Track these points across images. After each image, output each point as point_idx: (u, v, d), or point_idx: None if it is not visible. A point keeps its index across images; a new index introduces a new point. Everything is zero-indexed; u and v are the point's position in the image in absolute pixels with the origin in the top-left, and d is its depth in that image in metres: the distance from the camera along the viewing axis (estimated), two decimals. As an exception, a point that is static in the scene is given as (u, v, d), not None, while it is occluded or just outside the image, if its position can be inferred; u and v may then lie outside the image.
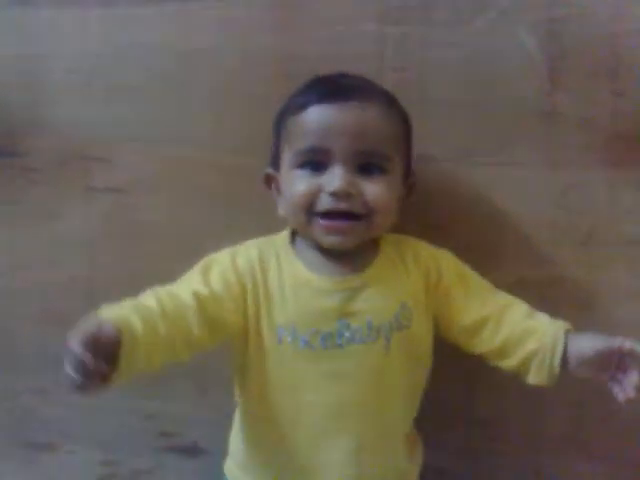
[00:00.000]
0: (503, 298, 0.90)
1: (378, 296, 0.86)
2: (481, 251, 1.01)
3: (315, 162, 0.83)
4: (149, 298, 0.80)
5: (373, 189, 0.82)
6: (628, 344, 0.78)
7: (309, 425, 0.87)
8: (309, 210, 0.83)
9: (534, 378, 0.85)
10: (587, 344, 0.81)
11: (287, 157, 0.85)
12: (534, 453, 1.06)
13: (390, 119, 0.85)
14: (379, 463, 0.89)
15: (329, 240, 0.84)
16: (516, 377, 0.87)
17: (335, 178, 0.81)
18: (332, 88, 0.84)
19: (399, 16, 0.96)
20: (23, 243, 1.13)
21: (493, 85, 0.96)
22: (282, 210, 0.89)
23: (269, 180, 0.91)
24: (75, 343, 0.67)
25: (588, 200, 0.97)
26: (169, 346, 0.79)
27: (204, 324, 0.82)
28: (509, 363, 0.87)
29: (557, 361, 0.82)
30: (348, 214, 0.82)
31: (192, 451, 1.17)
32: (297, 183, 0.83)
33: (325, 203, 0.82)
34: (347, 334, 0.84)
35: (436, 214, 1.01)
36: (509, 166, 0.98)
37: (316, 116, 0.82)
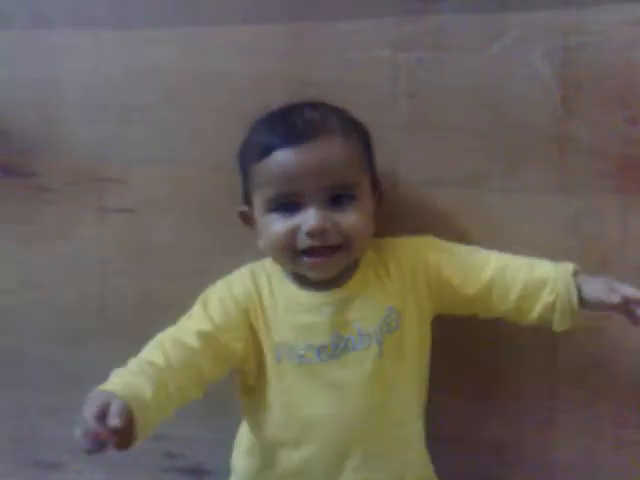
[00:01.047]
0: (496, 259, 0.92)
1: (364, 304, 0.89)
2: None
3: (286, 204, 0.85)
4: (155, 352, 0.83)
5: (347, 219, 0.85)
6: (628, 293, 0.84)
7: (316, 440, 0.89)
8: (291, 249, 0.86)
9: (560, 326, 0.88)
10: (593, 293, 0.86)
11: (258, 202, 0.88)
12: (545, 474, 1.06)
13: (350, 147, 0.86)
14: (389, 467, 0.91)
15: (315, 275, 0.88)
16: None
17: (308, 218, 0.83)
18: (290, 130, 0.85)
19: (413, 42, 0.97)
20: (36, 261, 1.14)
21: (506, 111, 0.96)
22: (262, 245, 0.90)
23: (245, 217, 0.93)
24: (88, 415, 0.68)
25: (600, 226, 0.97)
26: (182, 394, 0.82)
27: (213, 361, 0.85)
28: (530, 318, 0.90)
29: (575, 306, 0.86)
30: (328, 247, 0.85)
31: (197, 472, 1.17)
32: (274, 226, 0.86)
33: (304, 241, 0.84)
34: (340, 344, 0.87)
35: (447, 238, 1.00)
36: (521, 192, 0.98)
37: (279, 162, 0.84)
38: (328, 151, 0.84)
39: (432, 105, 0.97)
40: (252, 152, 0.88)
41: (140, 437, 0.73)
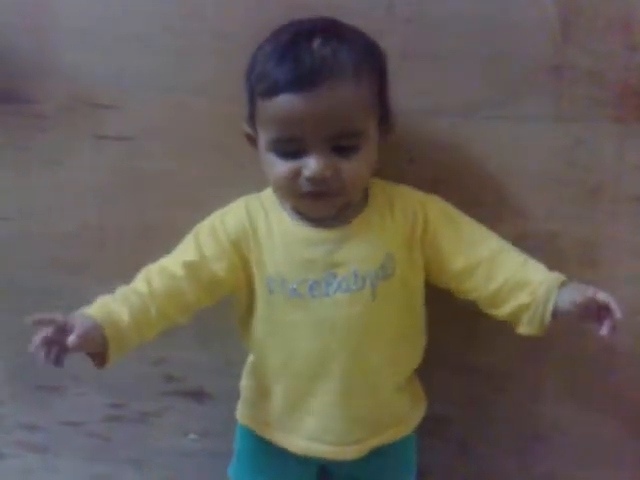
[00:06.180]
0: (495, 243, 0.91)
1: (363, 247, 0.89)
2: (488, 204, 1.02)
3: (290, 149, 0.83)
4: (139, 281, 0.89)
5: (348, 168, 0.83)
6: (601, 296, 0.80)
7: (299, 370, 0.92)
8: (292, 191, 0.86)
9: (524, 329, 0.88)
10: (568, 298, 0.83)
11: (262, 139, 0.86)
12: (533, 402, 1.09)
13: (359, 91, 0.82)
14: (367, 406, 0.93)
15: (312, 213, 0.89)
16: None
17: (310, 163, 0.82)
18: (297, 72, 0.80)
19: (411, -34, 0.95)
20: (33, 190, 1.13)
21: (505, 38, 0.95)
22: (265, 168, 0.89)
23: (250, 139, 0.91)
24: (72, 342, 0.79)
25: (596, 155, 0.98)
26: (165, 319, 0.88)
27: (198, 289, 0.90)
28: (500, 312, 0.89)
29: (548, 316, 0.85)
30: (326, 192, 0.85)
31: (197, 395, 1.19)
32: (277, 166, 0.85)
33: (304, 186, 0.84)
34: (334, 283, 0.88)
35: (444, 168, 1.01)
36: (518, 120, 0.98)
37: (282, 107, 0.81)
38: (335, 99, 0.80)
39: (429, 31, 0.96)
40: (257, 82, 0.84)
41: (114, 359, 0.84)
